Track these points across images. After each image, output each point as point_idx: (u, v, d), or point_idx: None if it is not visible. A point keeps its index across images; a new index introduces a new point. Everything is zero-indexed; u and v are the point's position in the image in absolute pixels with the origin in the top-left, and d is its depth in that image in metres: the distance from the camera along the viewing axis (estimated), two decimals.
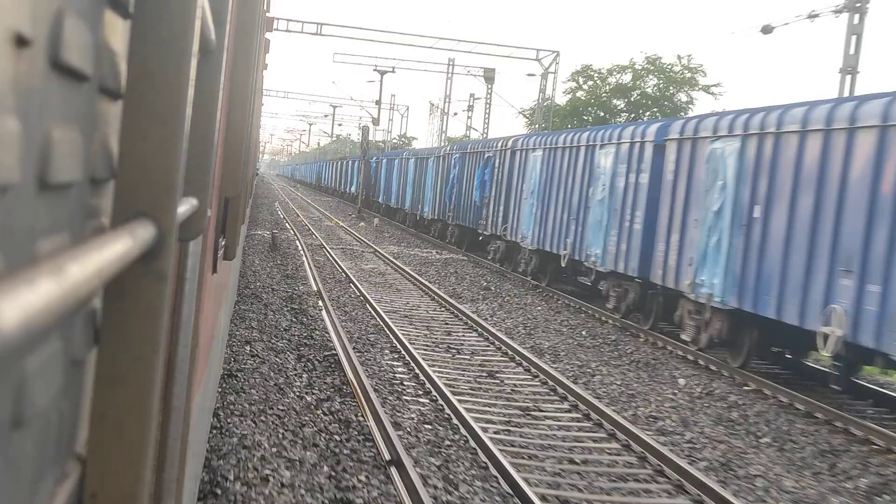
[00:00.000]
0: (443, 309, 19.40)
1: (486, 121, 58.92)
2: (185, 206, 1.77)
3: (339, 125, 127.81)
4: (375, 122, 71.10)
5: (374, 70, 65.55)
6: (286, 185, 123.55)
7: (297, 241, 31.71)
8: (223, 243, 5.36)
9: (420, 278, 23.79)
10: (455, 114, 72.30)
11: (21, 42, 0.92)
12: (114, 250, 1.00)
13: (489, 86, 57.83)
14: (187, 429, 3.13)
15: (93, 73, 1.30)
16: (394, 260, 28.40)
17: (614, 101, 53.09)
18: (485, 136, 56.45)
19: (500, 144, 30.34)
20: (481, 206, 31.63)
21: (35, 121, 1.02)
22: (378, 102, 68.55)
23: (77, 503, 1.34)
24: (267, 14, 12.97)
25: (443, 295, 20.71)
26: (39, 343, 1.10)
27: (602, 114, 52.69)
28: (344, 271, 24.10)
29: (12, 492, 1.05)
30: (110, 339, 1.31)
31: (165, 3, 1.35)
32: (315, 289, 19.72)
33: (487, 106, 58.69)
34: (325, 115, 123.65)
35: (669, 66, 50.87)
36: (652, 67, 51.15)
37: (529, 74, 52.23)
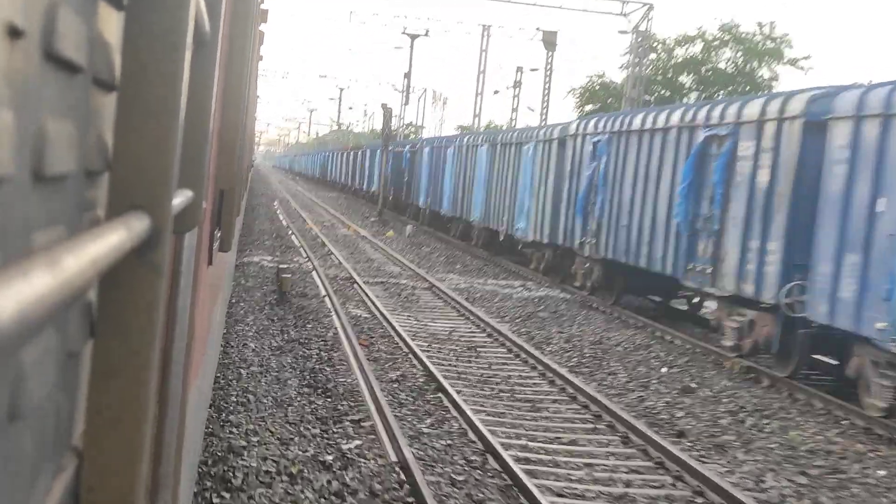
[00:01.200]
0: (681, 488, 8.63)
1: (546, 98, 46.52)
2: (180, 199, 1.77)
3: (350, 108, 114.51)
4: (405, 99, 57.82)
5: (403, 33, 51.97)
6: (285, 179, 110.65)
7: (314, 273, 21.37)
8: (219, 235, 5.36)
9: (544, 358, 13.45)
10: (496, 91, 58.34)
11: (14, 33, 0.91)
12: (109, 242, 1.00)
13: (549, 53, 46.03)
14: (183, 422, 3.14)
15: (87, 64, 1.29)
16: (468, 305, 18.10)
17: (680, 77, 45.08)
18: (543, 118, 45.40)
19: (757, 109, 15.04)
20: (693, 236, 16.55)
21: (30, 113, 1.02)
22: (407, 75, 55.49)
23: (74, 496, 1.34)
24: (261, 5, 12.95)
25: (631, 421, 10.38)
26: (35, 336, 1.10)
27: (666, 92, 44.48)
28: (407, 345, 13.70)
29: (10, 485, 1.05)
30: (106, 332, 1.31)
31: None
32: (393, 460, 8.64)
33: (547, 78, 46.44)
34: (331, 99, 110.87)
35: (749, 36, 42.89)
36: (728, 37, 43.28)
37: (621, 32, 40.65)
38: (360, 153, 63.42)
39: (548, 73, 46.20)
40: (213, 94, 2.35)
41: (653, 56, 44.49)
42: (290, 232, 31.95)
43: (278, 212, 42.19)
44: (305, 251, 25.86)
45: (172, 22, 1.35)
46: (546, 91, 46.56)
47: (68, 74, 1.20)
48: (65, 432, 1.38)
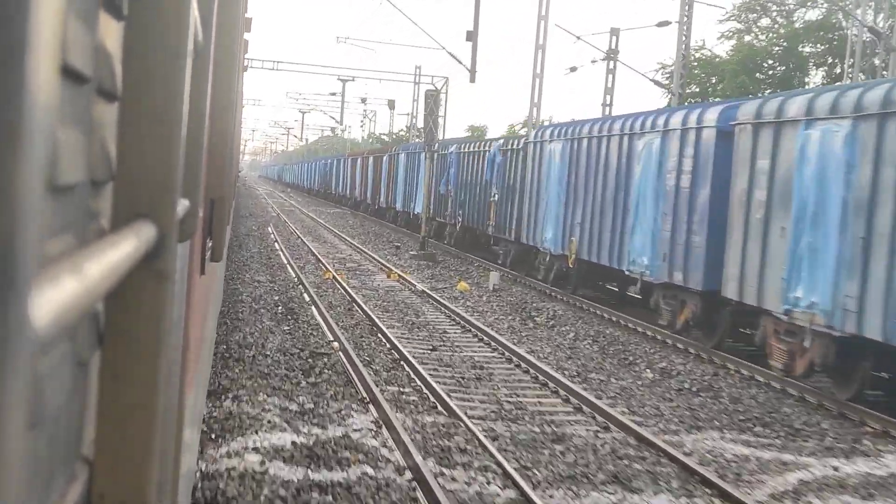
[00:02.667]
0: None
1: (683, 61, 29.70)
2: (178, 208, 1.78)
3: (362, 100, 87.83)
4: (470, 77, 32.55)
5: None
6: (274, 191, 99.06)
7: None
8: (210, 245, 5.35)
9: None
10: (573, 69, 38.43)
11: None
12: (124, 250, 1.01)
13: (686, 4, 29.04)
14: (181, 430, 3.14)
15: (92, 74, 1.30)
16: None
17: (803, 47, 34.26)
18: (669, 101, 31.42)
19: None
20: None
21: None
22: (472, 35, 31.64)
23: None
24: (246, 15, 12.95)
25: None
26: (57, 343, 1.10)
27: (781, 66, 34.01)
28: None
29: (27, 495, 1.06)
30: (115, 340, 1.32)
31: (158, 4, 1.36)
32: None
33: (685, 34, 29.27)
34: (332, 94, 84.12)
35: None
36: None
37: None
38: (385, 158, 46.94)
39: (685, 25, 29.11)
40: (207, 103, 2.36)
41: (765, 22, 35.25)
42: (304, 294, 19.37)
43: (276, 245, 30.24)
44: (353, 366, 12.56)
45: (173, 31, 1.36)
46: (683, 53, 29.58)
47: (76, 85, 1.21)
48: (75, 441, 1.39)
